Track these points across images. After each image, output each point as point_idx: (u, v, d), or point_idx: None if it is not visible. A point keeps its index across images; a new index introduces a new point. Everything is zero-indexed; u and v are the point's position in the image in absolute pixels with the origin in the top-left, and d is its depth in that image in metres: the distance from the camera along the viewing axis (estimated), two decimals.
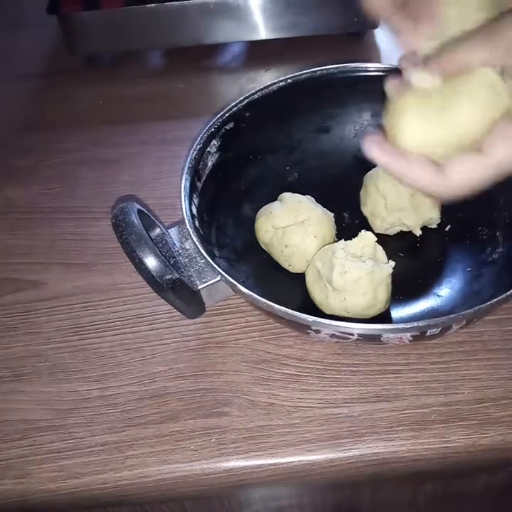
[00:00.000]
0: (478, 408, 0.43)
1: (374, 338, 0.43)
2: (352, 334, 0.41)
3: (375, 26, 0.73)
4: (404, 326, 0.40)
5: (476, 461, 0.44)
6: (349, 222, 0.54)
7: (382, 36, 0.75)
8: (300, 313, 0.40)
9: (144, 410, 0.45)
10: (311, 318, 0.40)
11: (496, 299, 0.40)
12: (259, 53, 0.75)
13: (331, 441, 0.43)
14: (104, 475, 0.42)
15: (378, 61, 0.72)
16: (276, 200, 0.51)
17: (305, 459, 0.42)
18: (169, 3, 0.68)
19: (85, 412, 0.45)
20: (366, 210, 0.53)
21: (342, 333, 0.41)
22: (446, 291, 0.49)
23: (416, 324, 0.39)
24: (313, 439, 0.43)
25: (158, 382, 0.47)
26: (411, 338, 0.42)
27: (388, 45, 0.73)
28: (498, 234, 0.51)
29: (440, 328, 0.41)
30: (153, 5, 0.69)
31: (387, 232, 0.52)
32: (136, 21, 0.70)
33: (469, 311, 0.40)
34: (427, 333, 0.41)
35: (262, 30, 0.71)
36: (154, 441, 0.44)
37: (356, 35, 0.74)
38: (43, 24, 0.79)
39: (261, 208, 0.51)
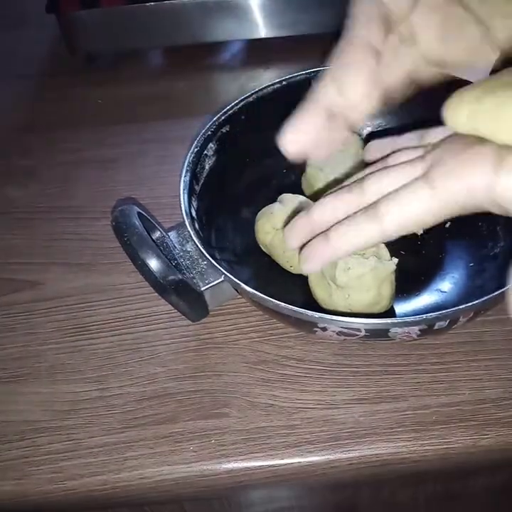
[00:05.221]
0: (479, 409, 0.43)
1: (381, 334, 0.42)
2: (359, 330, 0.41)
3: None
4: (412, 320, 0.40)
5: (477, 462, 0.43)
6: None
7: None
8: (307, 311, 0.40)
9: (143, 411, 0.45)
10: (318, 315, 0.40)
11: (503, 289, 0.40)
12: (259, 52, 0.75)
13: (331, 442, 0.42)
14: (103, 476, 0.42)
15: None
16: (273, 202, 0.51)
17: (305, 460, 0.42)
18: (169, 1, 0.68)
19: (84, 413, 0.45)
20: None
21: (349, 329, 0.41)
22: (449, 287, 0.49)
23: (424, 317, 0.39)
24: (314, 440, 0.43)
25: (158, 383, 0.46)
26: (419, 333, 0.42)
27: None
28: (498, 229, 0.51)
29: (448, 321, 0.41)
30: (152, 3, 0.69)
31: None
32: (136, 20, 0.70)
33: (478, 301, 0.40)
34: (435, 327, 0.41)
35: (262, 29, 0.71)
36: (153, 442, 0.43)
37: None
38: (43, 23, 0.78)
39: (259, 210, 0.51)
